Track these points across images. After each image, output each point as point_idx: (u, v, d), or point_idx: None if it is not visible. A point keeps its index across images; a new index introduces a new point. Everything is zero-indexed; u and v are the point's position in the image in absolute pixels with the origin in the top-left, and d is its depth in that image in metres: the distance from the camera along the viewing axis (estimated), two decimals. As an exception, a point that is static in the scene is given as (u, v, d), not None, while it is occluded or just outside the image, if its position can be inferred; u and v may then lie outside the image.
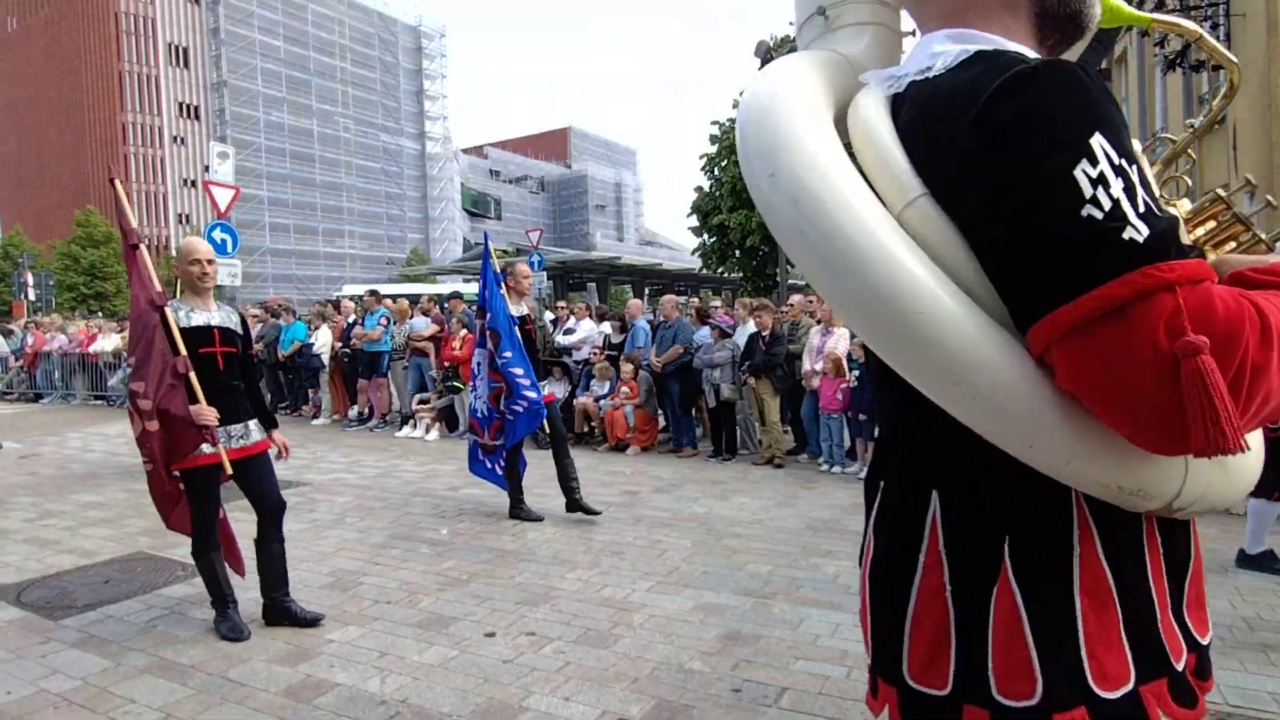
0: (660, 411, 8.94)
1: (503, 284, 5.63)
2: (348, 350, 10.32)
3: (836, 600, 4.00)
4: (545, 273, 17.43)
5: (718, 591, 4.15)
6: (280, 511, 3.72)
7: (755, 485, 6.87)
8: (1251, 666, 3.20)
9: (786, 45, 16.99)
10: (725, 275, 26.11)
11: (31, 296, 26.81)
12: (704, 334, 8.39)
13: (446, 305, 10.78)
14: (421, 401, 9.87)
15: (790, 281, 18.50)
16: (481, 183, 67.71)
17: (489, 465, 5.71)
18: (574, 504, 5.67)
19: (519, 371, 5.44)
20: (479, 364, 5.69)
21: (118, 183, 3.66)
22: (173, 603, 4.02)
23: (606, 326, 10.02)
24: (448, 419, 9.88)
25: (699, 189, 25.66)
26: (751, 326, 8.03)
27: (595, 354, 9.23)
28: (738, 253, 24.49)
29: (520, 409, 5.44)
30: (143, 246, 3.56)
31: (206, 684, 3.12)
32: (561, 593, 4.16)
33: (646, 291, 37.97)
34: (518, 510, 5.75)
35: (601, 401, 8.84)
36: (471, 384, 5.80)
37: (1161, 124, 13.42)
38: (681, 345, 8.30)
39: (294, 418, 11.36)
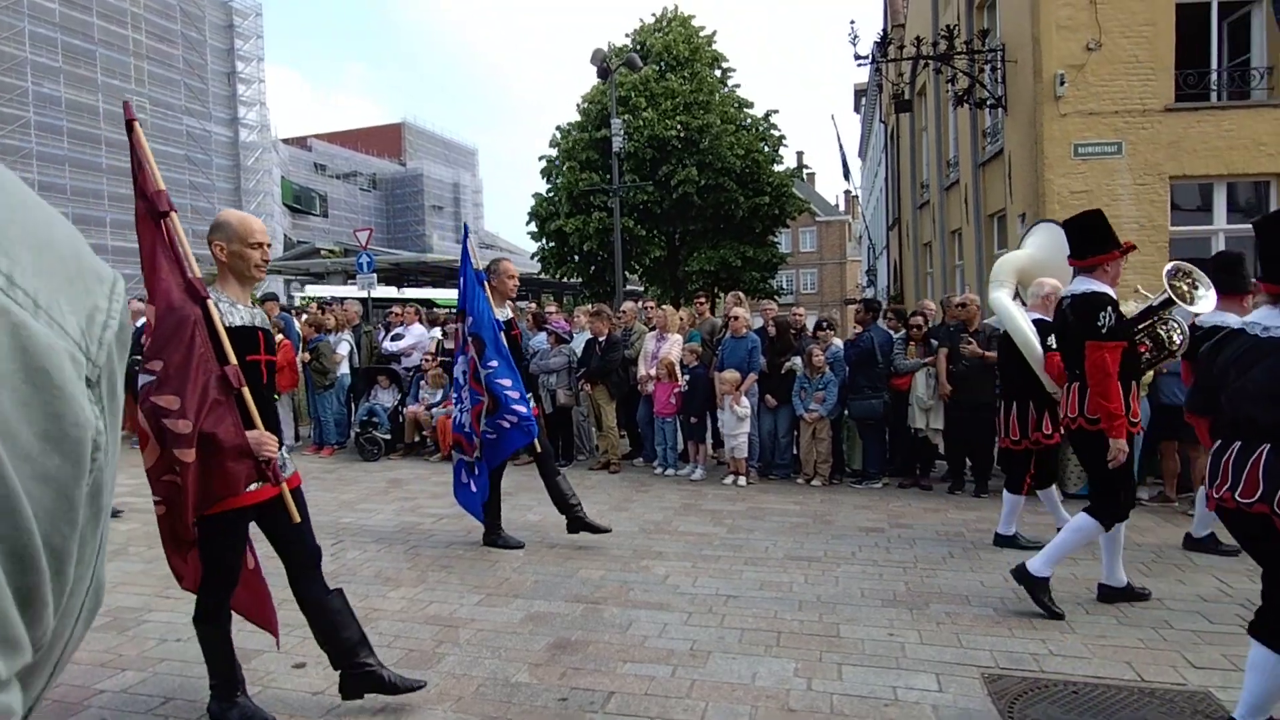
0: (496, 418, 8.74)
1: (486, 284, 5.00)
2: (137, 358, 9.17)
3: (665, 600, 4.07)
4: (376, 274, 16.52)
5: (549, 600, 4.09)
6: (320, 557, 2.97)
7: (591, 490, 6.88)
8: (1017, 632, 3.62)
9: (624, 54, 17.30)
10: (564, 280, 26.17)
11: None
12: (541, 339, 8.31)
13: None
14: (230, 412, 8.98)
15: (629, 287, 18.80)
16: (305, 176, 63.02)
17: (473, 488, 5.05)
18: (577, 522, 5.02)
19: (506, 384, 4.84)
20: (462, 374, 5.08)
21: (138, 124, 2.72)
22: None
23: (438, 332, 9.66)
24: (261, 431, 9.07)
25: (537, 194, 25.56)
26: (589, 333, 8.06)
27: (427, 360, 8.86)
28: (576, 258, 24.64)
29: (508, 424, 4.84)
30: (175, 215, 2.66)
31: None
32: (383, 613, 3.92)
33: (486, 295, 37.13)
34: (494, 537, 5.12)
35: (433, 410, 8.49)
36: (455, 395, 5.16)
37: (954, 152, 15.07)
38: (517, 350, 8.16)
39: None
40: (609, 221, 20.74)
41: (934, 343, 6.96)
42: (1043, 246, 5.26)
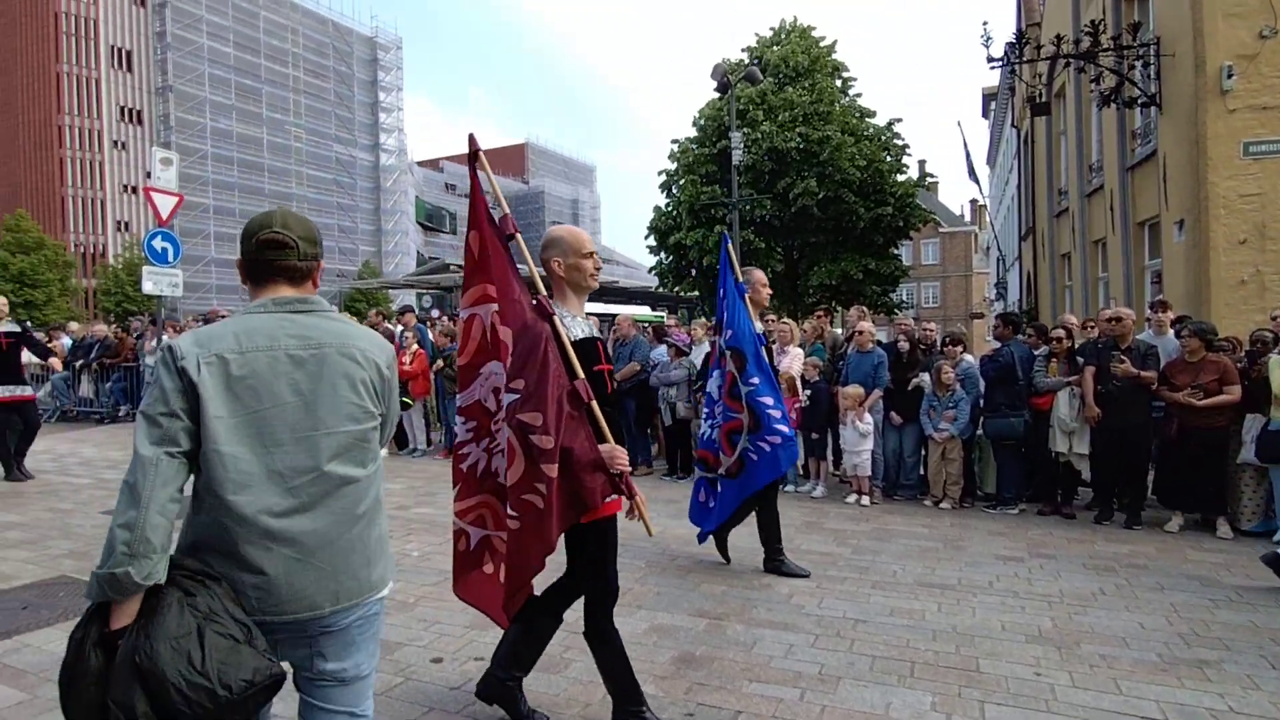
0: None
1: (746, 296, 4.72)
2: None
3: (790, 620, 3.99)
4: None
5: (671, 613, 4.10)
6: (615, 597, 2.79)
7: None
8: (1188, 683, 3.28)
9: (743, 70, 17.29)
10: (682, 294, 26.29)
11: (-47, 304, 25.43)
12: (661, 352, 8.39)
13: (399, 319, 10.58)
14: (370, 418, 9.61)
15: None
16: (436, 196, 66.95)
17: (711, 503, 4.79)
18: (776, 564, 4.78)
19: (768, 401, 4.53)
20: (716, 388, 4.79)
21: (482, 155, 2.73)
22: (97, 630, 3.80)
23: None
24: (396, 436, 9.65)
25: (657, 208, 25.86)
26: (707, 346, 8.06)
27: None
28: (694, 271, 24.72)
29: (769, 446, 4.52)
30: (520, 238, 2.72)
31: None
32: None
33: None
34: (776, 563, 4.83)
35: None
36: (707, 410, 4.92)
37: (1097, 156, 14.03)
38: (638, 363, 8.29)
39: (235, 434, 10.96)
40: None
41: (1080, 360, 6.48)
42: None
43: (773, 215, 23.22)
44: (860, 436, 6.93)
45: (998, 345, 7.05)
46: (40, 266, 40.16)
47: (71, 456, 9.14)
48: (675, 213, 24.66)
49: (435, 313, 16.89)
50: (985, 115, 34.57)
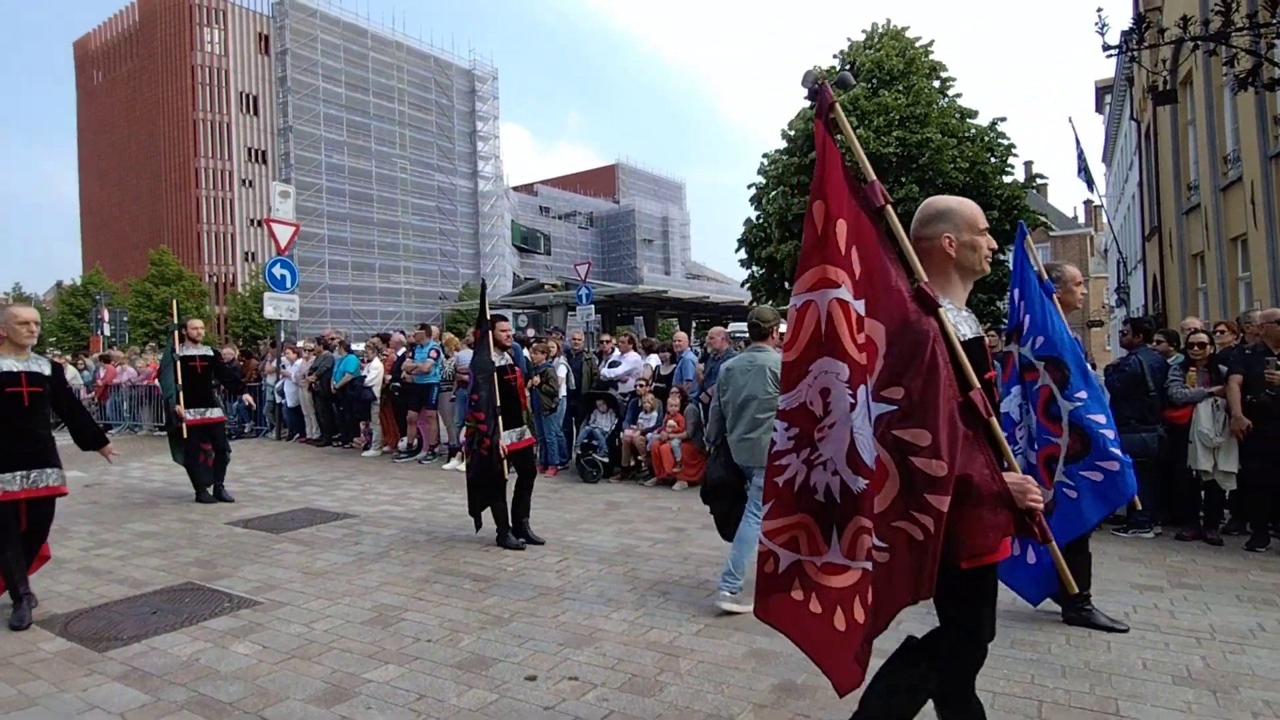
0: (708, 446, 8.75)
1: (1054, 295, 3.95)
2: (398, 384, 10.42)
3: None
4: (593, 306, 17.45)
5: (771, 637, 3.90)
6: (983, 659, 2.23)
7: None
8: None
9: (834, 76, 16.91)
10: (776, 308, 25.87)
11: (107, 332, 28.04)
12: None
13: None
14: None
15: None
16: (531, 219, 69.02)
17: (1029, 557, 3.83)
18: (1081, 614, 4.06)
19: (1100, 420, 3.78)
20: (1017, 408, 4.03)
21: (839, 107, 2.22)
22: (216, 635, 3.99)
23: (654, 359, 9.92)
24: (495, 451, 9.84)
25: (748, 221, 25.62)
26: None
27: (642, 386, 9.11)
28: (787, 284, 24.27)
29: (1100, 475, 3.74)
30: (891, 209, 2.19)
31: (242, 723, 3.05)
32: (606, 634, 3.99)
33: (694, 324, 37.90)
34: (1081, 613, 4.09)
35: (649, 434, 8.69)
36: (1008, 432, 3.89)
37: (1233, 146, 12.83)
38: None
39: (345, 449, 11.51)
40: (819, 246, 20.12)
41: (1223, 368, 5.86)
42: None
43: (869, 224, 22.52)
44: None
45: (1123, 354, 6.48)
46: (180, 296, 43.94)
47: (201, 471, 9.79)
48: (766, 225, 24.34)
49: (530, 332, 17.29)
50: (1099, 110, 32.45)
